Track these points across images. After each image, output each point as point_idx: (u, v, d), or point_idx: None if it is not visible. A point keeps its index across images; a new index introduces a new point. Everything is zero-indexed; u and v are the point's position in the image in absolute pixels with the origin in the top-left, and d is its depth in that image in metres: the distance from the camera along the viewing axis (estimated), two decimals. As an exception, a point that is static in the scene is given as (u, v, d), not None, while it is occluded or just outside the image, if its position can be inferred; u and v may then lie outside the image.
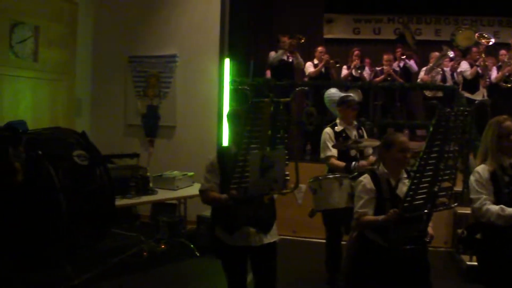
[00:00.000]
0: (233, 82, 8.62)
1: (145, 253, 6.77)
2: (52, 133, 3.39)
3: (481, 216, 3.72)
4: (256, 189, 3.48)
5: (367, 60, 10.16)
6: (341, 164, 5.59)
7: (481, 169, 3.83)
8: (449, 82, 9.64)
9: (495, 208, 3.65)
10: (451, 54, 9.75)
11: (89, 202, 3.17)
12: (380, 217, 3.62)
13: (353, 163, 5.47)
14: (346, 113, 5.88)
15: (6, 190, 2.95)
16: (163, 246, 7.02)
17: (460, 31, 11.06)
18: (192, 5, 8.70)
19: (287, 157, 3.59)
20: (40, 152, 2.99)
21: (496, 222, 3.63)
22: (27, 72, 7.37)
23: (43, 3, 7.58)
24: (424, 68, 9.93)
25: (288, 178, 3.70)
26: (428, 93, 9.76)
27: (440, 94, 9.53)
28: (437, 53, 9.88)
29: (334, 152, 5.72)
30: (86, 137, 3.36)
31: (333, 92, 8.88)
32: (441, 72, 9.70)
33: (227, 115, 4.11)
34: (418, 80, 9.88)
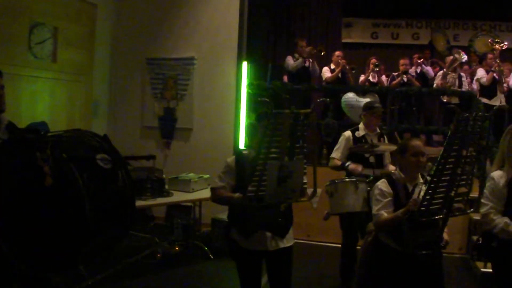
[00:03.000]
0: (250, 85, 8.62)
1: (159, 255, 6.79)
2: (74, 135, 3.38)
3: (485, 223, 3.71)
4: (273, 198, 3.46)
5: (382, 67, 10.11)
6: (338, 162, 5.70)
7: (497, 176, 3.78)
8: (465, 88, 9.58)
9: (500, 221, 3.61)
10: (464, 58, 9.66)
11: (111, 205, 3.17)
12: (399, 211, 3.61)
13: (347, 163, 5.56)
14: (370, 120, 5.86)
15: (35, 194, 2.97)
16: (177, 248, 7.03)
17: (479, 37, 11.00)
18: (211, 8, 8.72)
19: (305, 166, 3.57)
20: (64, 155, 2.99)
21: (498, 235, 3.61)
22: (46, 73, 7.43)
23: (62, 4, 7.65)
24: (439, 73, 9.86)
25: (305, 186, 3.68)
26: (445, 99, 9.69)
27: (456, 100, 9.47)
28: (451, 57, 9.80)
29: (339, 155, 5.77)
30: (108, 140, 3.36)
31: (350, 97, 8.89)
32: (456, 77, 9.61)
33: (246, 127, 4.10)
34: (434, 86, 9.80)
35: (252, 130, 4.12)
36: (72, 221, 2.94)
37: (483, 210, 3.74)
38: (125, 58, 9.14)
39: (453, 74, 9.58)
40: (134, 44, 9.08)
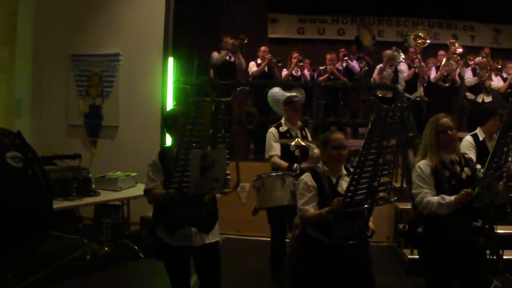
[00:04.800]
0: (176, 81, 8.57)
1: (88, 256, 6.64)
2: (-18, 133, 3.26)
3: (423, 208, 3.82)
4: (197, 188, 3.47)
5: (306, 61, 10.26)
6: (284, 164, 5.63)
7: (423, 165, 3.94)
8: (402, 83, 9.82)
9: (435, 198, 3.76)
10: (401, 58, 9.91)
11: (23, 205, 3.06)
12: (324, 210, 3.66)
13: (295, 164, 5.51)
14: (291, 114, 5.93)
15: None
16: (106, 249, 6.87)
17: (413, 32, 11.34)
18: (136, 3, 8.61)
19: (228, 156, 3.59)
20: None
21: (438, 211, 3.72)
22: (-36, 70, 7.14)
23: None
24: (377, 67, 10.10)
25: (229, 177, 3.70)
26: (379, 93, 9.94)
27: (389, 94, 9.72)
28: (388, 52, 10.03)
29: (277, 151, 5.77)
30: (22, 137, 3.24)
31: (276, 92, 8.94)
32: (392, 72, 9.84)
33: (164, 118, 4.08)
34: (372, 80, 10.06)
35: (168, 122, 4.11)
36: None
37: (418, 197, 3.87)
38: (48, 54, 8.85)
39: (389, 71, 9.81)
40: (57, 39, 8.82)
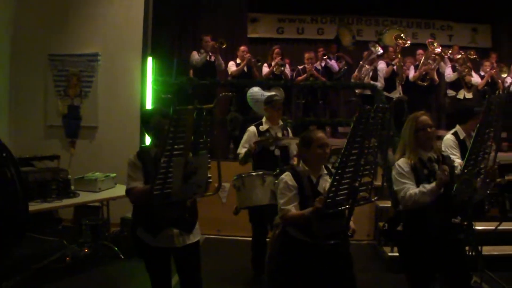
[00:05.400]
0: (156, 81, 8.53)
1: (68, 258, 6.58)
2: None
3: (407, 201, 3.83)
4: (179, 194, 3.46)
5: (287, 60, 10.28)
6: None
7: (402, 162, 3.96)
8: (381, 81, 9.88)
9: (416, 189, 3.79)
10: (379, 51, 9.99)
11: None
12: (306, 211, 3.65)
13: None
14: (271, 113, 5.95)
15: None
16: (86, 250, 6.82)
17: (389, 31, 11.42)
18: (115, 2, 8.57)
19: (209, 161, 3.58)
20: None
21: (421, 200, 3.75)
22: None
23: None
24: (358, 66, 10.20)
25: (210, 180, 3.68)
26: (358, 91, 10.02)
27: (368, 91, 9.80)
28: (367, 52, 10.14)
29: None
30: (-3, 138, 3.20)
31: (255, 91, 8.92)
32: (371, 70, 9.90)
33: (142, 118, 4.05)
34: (352, 77, 10.14)
35: (144, 124, 4.10)
36: None
37: (401, 193, 3.89)
38: (26, 53, 8.75)
39: (368, 66, 9.87)
40: (35, 39, 8.72)
